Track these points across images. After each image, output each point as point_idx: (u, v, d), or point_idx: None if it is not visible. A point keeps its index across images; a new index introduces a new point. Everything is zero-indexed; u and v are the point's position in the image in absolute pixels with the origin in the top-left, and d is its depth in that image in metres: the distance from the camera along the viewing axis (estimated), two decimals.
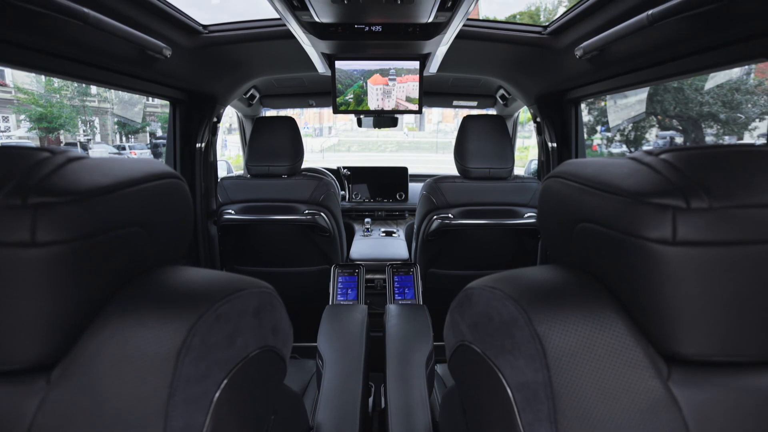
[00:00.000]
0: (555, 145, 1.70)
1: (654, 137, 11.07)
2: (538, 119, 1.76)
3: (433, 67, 1.52)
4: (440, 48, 1.30)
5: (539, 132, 1.79)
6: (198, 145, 1.72)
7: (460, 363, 0.51)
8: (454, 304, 0.53)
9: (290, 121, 1.67)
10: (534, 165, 3.10)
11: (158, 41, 1.13)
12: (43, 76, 12.46)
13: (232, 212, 1.65)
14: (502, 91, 2.08)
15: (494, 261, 1.80)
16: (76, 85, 13.33)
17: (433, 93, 2.26)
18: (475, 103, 2.36)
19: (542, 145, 1.80)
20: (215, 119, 1.78)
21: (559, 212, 0.53)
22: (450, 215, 1.58)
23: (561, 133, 1.70)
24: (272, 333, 0.48)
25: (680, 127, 9.76)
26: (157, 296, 0.42)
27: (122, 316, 0.40)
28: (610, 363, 0.40)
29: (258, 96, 2.20)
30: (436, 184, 1.62)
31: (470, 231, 1.68)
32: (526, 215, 1.59)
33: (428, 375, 1.05)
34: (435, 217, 1.59)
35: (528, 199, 1.61)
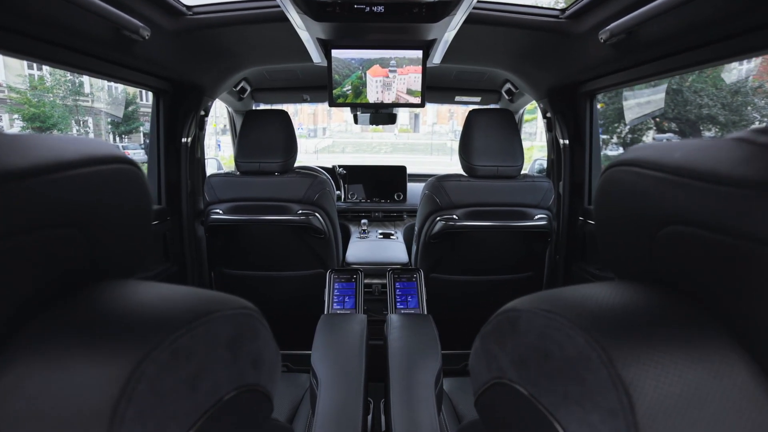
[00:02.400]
0: (567, 142, 1.59)
1: (651, 140, 11.09)
2: (549, 115, 1.65)
3: (437, 57, 1.41)
4: (447, 33, 1.19)
5: (549, 128, 1.69)
6: (184, 140, 1.59)
7: (493, 404, 0.39)
8: (489, 328, 0.40)
9: (283, 115, 1.55)
10: (538, 165, 3.00)
11: (134, 19, 1.02)
12: (35, 75, 12.28)
13: (220, 212, 1.53)
14: (508, 86, 1.98)
15: (500, 266, 1.69)
16: (69, 84, 13.16)
17: (434, 88, 2.15)
18: (478, 99, 2.25)
19: (552, 143, 1.69)
20: (202, 112, 1.66)
21: (631, 211, 0.40)
22: (455, 216, 1.47)
23: (573, 130, 1.59)
24: (252, 367, 0.35)
25: (677, 129, 9.74)
26: (89, 325, 0.30)
27: (35, 356, 0.27)
28: (729, 424, 0.28)
29: (249, 89, 2.08)
30: (439, 183, 1.51)
31: (476, 233, 1.57)
32: (536, 217, 1.48)
33: (437, 395, 0.94)
34: (438, 218, 1.48)
35: (539, 199, 1.50)
